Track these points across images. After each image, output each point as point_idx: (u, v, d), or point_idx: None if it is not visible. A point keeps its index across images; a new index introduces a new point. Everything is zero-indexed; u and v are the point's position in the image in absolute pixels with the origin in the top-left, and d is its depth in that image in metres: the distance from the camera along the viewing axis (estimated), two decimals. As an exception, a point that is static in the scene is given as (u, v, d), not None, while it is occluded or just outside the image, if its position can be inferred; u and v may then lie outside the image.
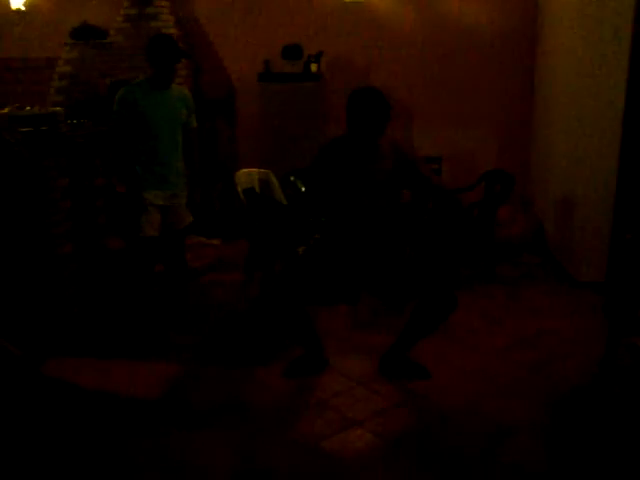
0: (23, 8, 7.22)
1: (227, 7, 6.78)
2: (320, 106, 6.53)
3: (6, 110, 4.60)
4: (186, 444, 3.01)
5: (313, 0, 6.65)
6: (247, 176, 4.86)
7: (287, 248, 4.37)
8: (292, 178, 4.51)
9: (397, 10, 6.56)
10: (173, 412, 3.31)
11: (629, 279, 3.46)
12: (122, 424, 3.20)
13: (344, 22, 6.59)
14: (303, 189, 4.41)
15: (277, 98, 6.39)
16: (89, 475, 2.83)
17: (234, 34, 6.74)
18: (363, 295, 3.60)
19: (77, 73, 6.76)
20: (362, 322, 4.37)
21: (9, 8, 7.20)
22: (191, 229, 4.41)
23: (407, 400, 3.39)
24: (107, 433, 3.13)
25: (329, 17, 6.60)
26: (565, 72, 5.31)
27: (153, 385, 3.56)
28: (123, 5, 6.71)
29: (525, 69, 6.41)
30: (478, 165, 6.23)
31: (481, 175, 5.54)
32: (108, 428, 3.16)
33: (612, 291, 3.85)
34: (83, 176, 4.47)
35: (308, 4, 6.65)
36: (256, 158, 6.31)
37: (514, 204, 5.94)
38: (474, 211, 5.25)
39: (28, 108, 4.73)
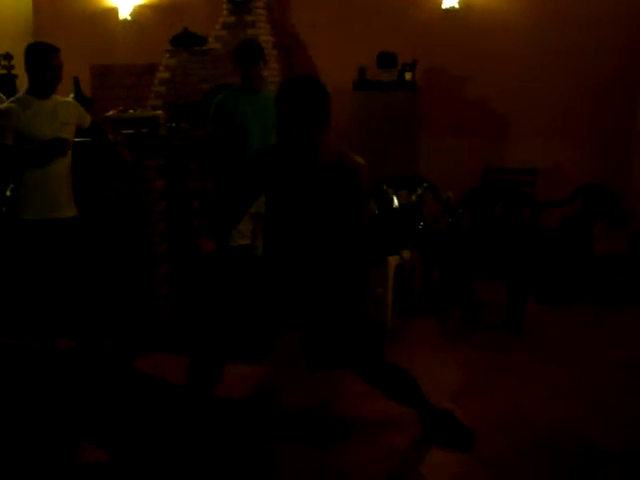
0: (129, 18, 7.63)
1: (323, 15, 6.84)
2: (414, 115, 6.48)
3: (111, 113, 4.80)
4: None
5: (409, 8, 6.62)
6: None
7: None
8: (385, 187, 4.48)
9: (493, 20, 6.44)
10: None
11: None
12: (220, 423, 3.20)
13: (440, 31, 6.52)
14: (394, 197, 4.38)
15: (371, 106, 6.38)
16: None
17: (329, 42, 6.78)
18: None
19: (176, 79, 7.00)
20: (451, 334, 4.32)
21: (117, 18, 7.65)
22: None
23: (496, 419, 3.26)
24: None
25: (425, 25, 6.55)
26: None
27: (244, 387, 3.59)
28: (222, 14, 6.90)
29: (628, 79, 6.12)
30: (575, 178, 6.01)
31: (577, 189, 5.34)
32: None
33: None
34: (179, 178, 4.59)
35: (404, 12, 6.61)
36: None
37: (611, 219, 5.67)
38: (567, 227, 5.07)
39: (131, 111, 4.92)
